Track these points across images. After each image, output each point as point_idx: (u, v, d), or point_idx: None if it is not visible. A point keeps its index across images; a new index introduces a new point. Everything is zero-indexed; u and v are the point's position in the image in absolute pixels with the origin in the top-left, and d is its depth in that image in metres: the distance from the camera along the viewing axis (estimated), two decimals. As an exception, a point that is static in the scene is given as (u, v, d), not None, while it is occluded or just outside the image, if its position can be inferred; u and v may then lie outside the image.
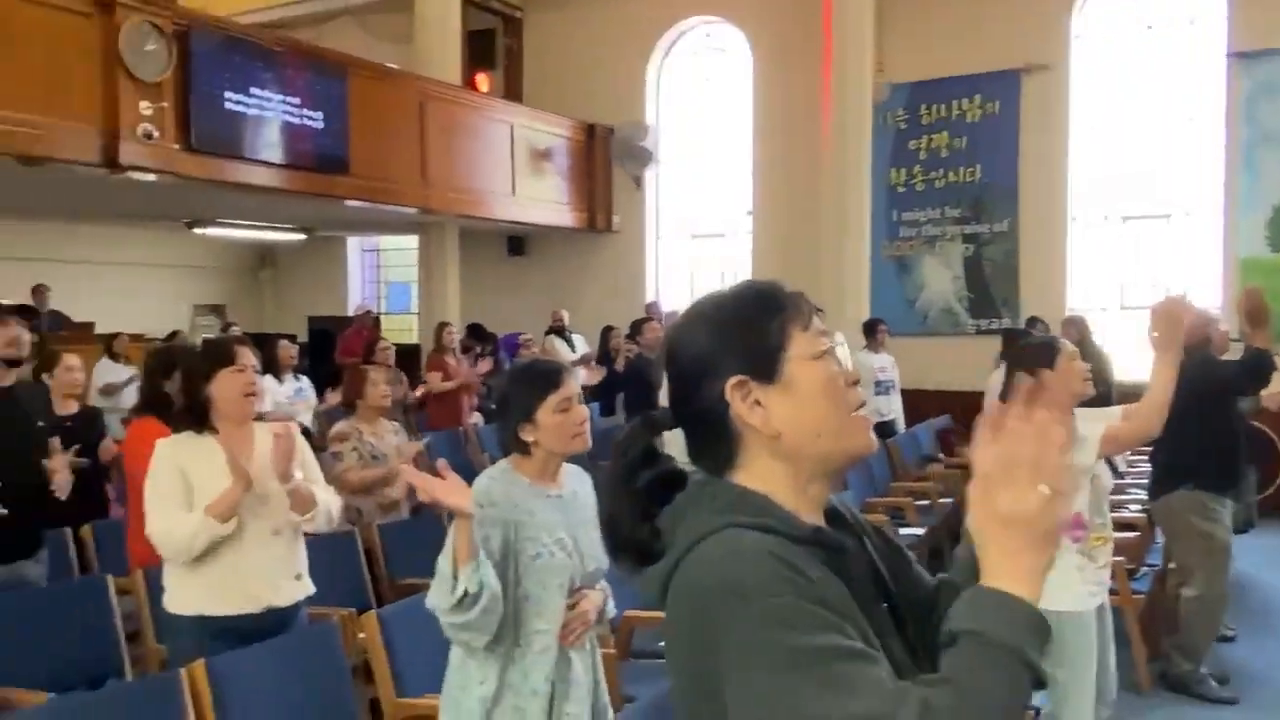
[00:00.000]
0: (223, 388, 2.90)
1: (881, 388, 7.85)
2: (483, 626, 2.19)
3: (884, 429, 7.75)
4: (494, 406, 2.65)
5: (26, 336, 3.63)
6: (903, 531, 5.85)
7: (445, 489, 2.12)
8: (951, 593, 1.18)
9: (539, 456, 2.40)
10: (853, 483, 6.15)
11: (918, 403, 8.70)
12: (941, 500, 6.77)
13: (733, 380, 1.12)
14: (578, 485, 2.50)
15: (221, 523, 2.77)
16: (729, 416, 1.13)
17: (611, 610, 2.59)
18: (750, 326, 1.15)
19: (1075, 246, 9.79)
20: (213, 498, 2.79)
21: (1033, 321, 7.93)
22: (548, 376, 2.41)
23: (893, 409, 8.00)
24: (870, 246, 9.69)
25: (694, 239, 11.87)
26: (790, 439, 1.13)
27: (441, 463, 2.18)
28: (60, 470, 3.92)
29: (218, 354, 2.95)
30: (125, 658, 3.62)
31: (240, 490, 2.80)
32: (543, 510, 2.37)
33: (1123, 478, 6.32)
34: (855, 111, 9.37)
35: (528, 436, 2.37)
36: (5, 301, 9.09)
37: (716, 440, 1.15)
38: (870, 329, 8.06)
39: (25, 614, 3.42)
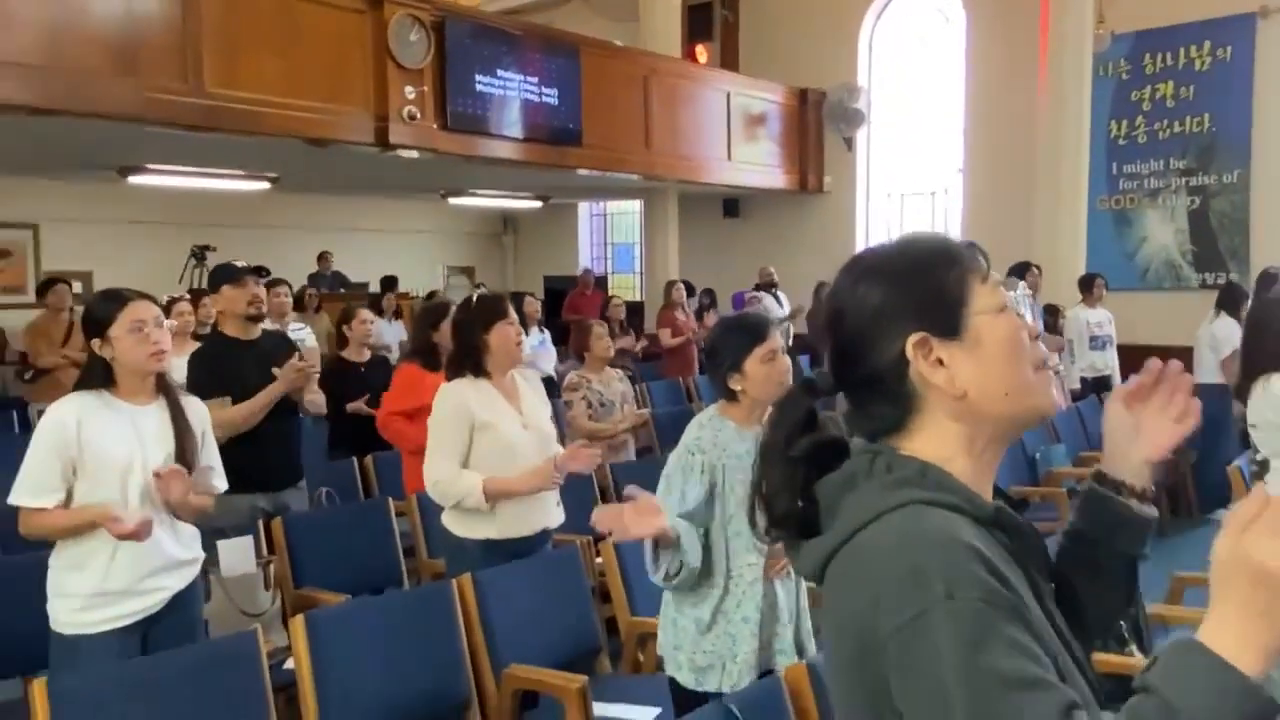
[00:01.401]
0: (498, 338, 3.07)
1: (1097, 343, 7.36)
2: (682, 587, 2.35)
3: (1100, 384, 7.28)
4: (706, 349, 2.68)
5: (264, 294, 3.82)
6: (1117, 486, 5.51)
7: (635, 521, 2.11)
8: (1078, 572, 1.11)
9: (745, 404, 2.43)
10: (1065, 437, 5.84)
11: (1136, 358, 7.98)
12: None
13: (914, 338, 0.99)
14: None
15: (487, 503, 2.96)
16: (907, 377, 1.00)
17: None
18: (927, 280, 1.01)
19: (1315, 196, 8.77)
20: (496, 433, 3.00)
21: (1270, 279, 7.16)
22: (755, 329, 2.45)
23: (1109, 364, 7.48)
24: (1087, 199, 9.03)
25: (904, 197, 11.46)
26: (976, 399, 0.99)
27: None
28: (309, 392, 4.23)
29: (495, 308, 3.12)
30: (403, 569, 3.96)
31: (522, 491, 3.02)
32: (749, 453, 2.41)
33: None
34: (1074, 64, 8.68)
35: (735, 385, 2.41)
36: (297, 261, 10.02)
37: (888, 404, 1.02)
38: (1087, 284, 7.52)
39: (324, 530, 3.79)
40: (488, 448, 3.03)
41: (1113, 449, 1.11)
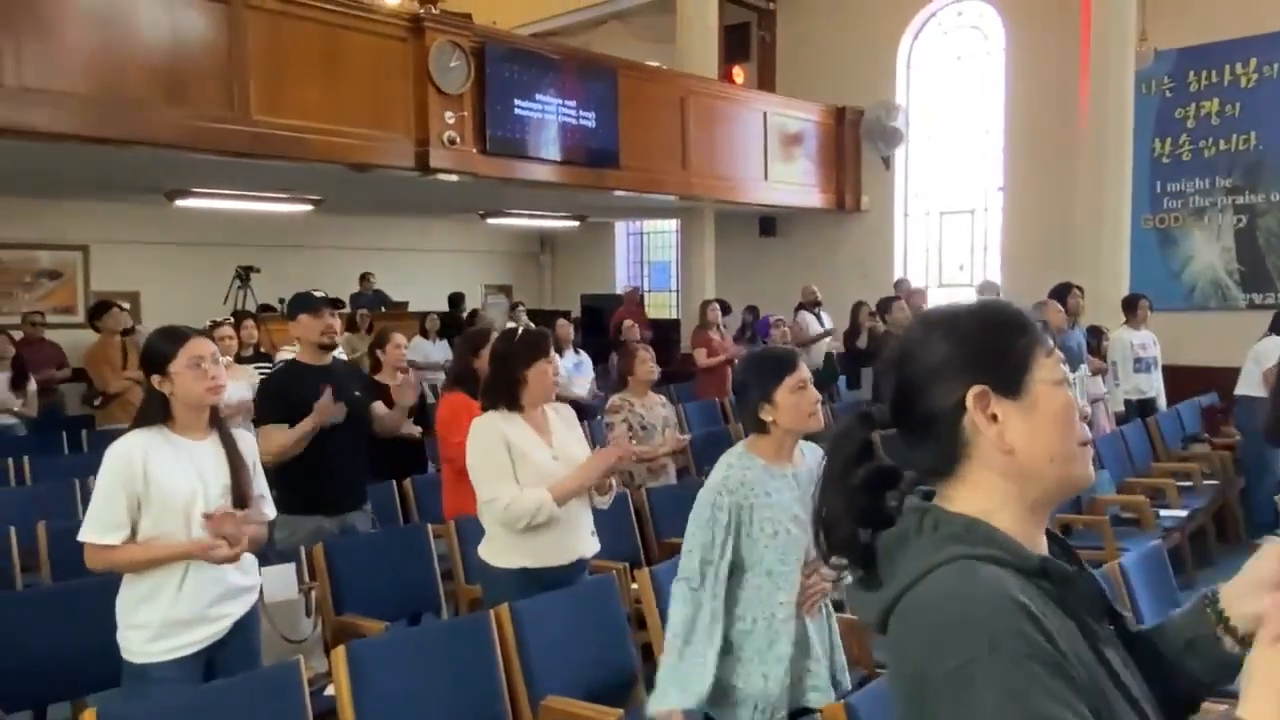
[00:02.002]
0: (537, 375, 3.12)
1: (1142, 365, 7.21)
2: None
3: (1145, 407, 7.14)
4: (735, 385, 2.68)
5: (338, 324, 3.93)
6: (1163, 513, 5.41)
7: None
8: (1147, 648, 1.13)
9: (776, 435, 2.44)
10: (1108, 463, 5.74)
11: (1181, 379, 7.94)
12: (1206, 481, 6.19)
13: (976, 389, 1.06)
14: (813, 461, 2.51)
15: (559, 506, 3.01)
16: (961, 424, 1.07)
17: (847, 578, 2.57)
18: (999, 340, 1.08)
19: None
20: (530, 463, 3.04)
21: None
22: (783, 361, 2.47)
23: (1153, 387, 7.32)
24: (1130, 219, 8.91)
25: (943, 216, 11.39)
26: (1022, 458, 1.05)
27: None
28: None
29: (538, 346, 3.16)
30: (441, 595, 3.98)
31: (585, 483, 3.06)
32: (778, 490, 2.41)
33: None
34: (1116, 82, 8.58)
35: (766, 416, 2.42)
36: (340, 281, 10.16)
37: (939, 446, 1.09)
38: (1131, 305, 7.38)
39: (364, 555, 3.81)
40: (520, 477, 3.06)
41: (1241, 585, 1.12)
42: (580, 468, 3.09)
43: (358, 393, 4.01)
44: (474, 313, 9.69)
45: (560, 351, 7.24)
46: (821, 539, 1.14)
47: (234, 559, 2.52)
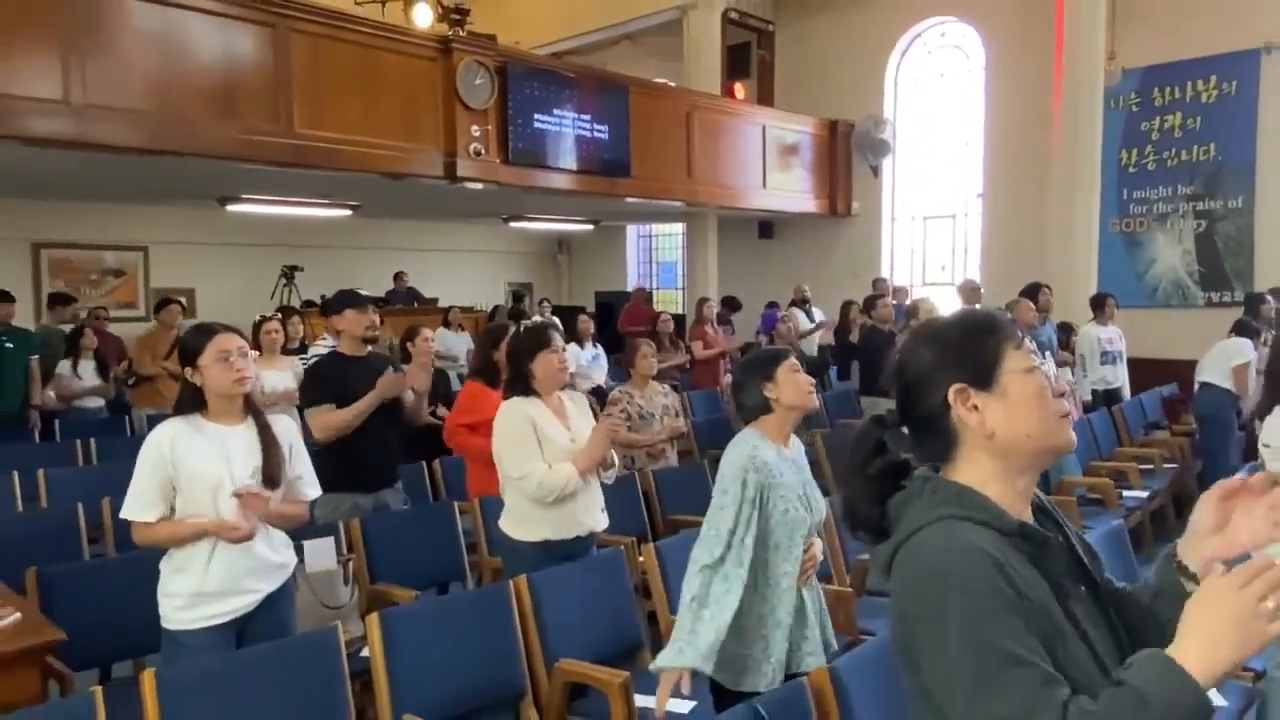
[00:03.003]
0: (542, 365, 3.13)
1: (1108, 358, 7.19)
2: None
3: (1110, 397, 7.12)
4: (733, 383, 2.71)
5: (379, 320, 3.96)
6: (1125, 494, 5.39)
7: None
8: (1133, 605, 1.19)
9: (779, 414, 2.48)
10: (1076, 448, 5.69)
11: (1145, 371, 7.91)
12: (1165, 465, 6.17)
13: (955, 387, 1.15)
14: (798, 450, 2.60)
15: (582, 478, 3.05)
16: (950, 418, 1.16)
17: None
18: (970, 344, 1.17)
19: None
20: (553, 445, 3.07)
21: (1259, 299, 6.98)
22: (777, 351, 2.58)
23: (1119, 378, 7.30)
24: (1098, 223, 8.85)
25: (926, 221, 11.33)
26: (1002, 438, 1.13)
27: None
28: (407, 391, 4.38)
29: (539, 338, 3.17)
30: (466, 566, 4.00)
31: (599, 454, 3.10)
32: (787, 473, 2.44)
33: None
34: (1086, 98, 8.53)
35: (770, 393, 2.47)
36: (376, 279, 10.18)
37: (937, 437, 1.18)
38: (1099, 302, 7.36)
39: (397, 530, 3.83)
40: (543, 457, 3.08)
41: (1191, 537, 1.19)
42: (589, 444, 3.12)
43: None
44: (495, 309, 9.65)
45: (580, 344, 7.24)
46: (846, 518, 1.24)
47: (247, 538, 2.50)
